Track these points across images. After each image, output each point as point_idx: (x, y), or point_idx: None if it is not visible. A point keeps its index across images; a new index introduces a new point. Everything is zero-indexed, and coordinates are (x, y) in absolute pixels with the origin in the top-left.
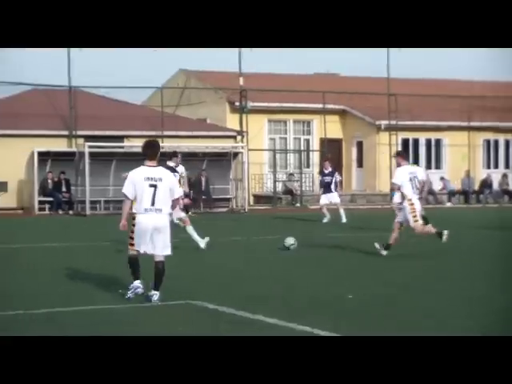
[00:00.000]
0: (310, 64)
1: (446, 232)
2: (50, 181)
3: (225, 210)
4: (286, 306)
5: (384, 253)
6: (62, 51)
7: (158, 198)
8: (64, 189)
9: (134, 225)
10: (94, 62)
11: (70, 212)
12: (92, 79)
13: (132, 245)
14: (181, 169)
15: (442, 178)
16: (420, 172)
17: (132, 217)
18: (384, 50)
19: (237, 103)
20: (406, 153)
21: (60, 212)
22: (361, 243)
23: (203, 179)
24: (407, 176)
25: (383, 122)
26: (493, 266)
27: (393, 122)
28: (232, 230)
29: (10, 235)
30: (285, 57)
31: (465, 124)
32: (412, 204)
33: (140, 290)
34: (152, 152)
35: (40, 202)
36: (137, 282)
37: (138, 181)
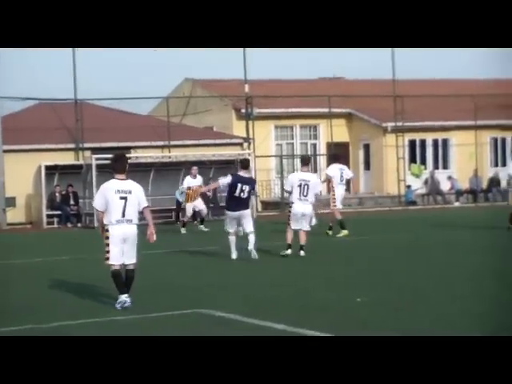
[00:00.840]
0: (314, 69)
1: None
2: (57, 194)
3: None
4: (294, 312)
5: (288, 252)
6: (67, 64)
7: (128, 209)
8: (72, 202)
9: (107, 237)
10: (99, 74)
11: (79, 225)
12: (97, 92)
13: (107, 258)
14: (200, 179)
15: (449, 178)
16: (312, 178)
17: (104, 229)
18: (388, 51)
19: (243, 110)
20: (413, 154)
21: (69, 225)
22: (368, 246)
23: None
24: (297, 182)
25: (389, 124)
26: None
27: (399, 124)
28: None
29: (20, 250)
30: (289, 62)
31: (471, 123)
32: (290, 208)
33: (128, 304)
34: (121, 166)
35: (48, 216)
36: (124, 296)
37: (108, 194)
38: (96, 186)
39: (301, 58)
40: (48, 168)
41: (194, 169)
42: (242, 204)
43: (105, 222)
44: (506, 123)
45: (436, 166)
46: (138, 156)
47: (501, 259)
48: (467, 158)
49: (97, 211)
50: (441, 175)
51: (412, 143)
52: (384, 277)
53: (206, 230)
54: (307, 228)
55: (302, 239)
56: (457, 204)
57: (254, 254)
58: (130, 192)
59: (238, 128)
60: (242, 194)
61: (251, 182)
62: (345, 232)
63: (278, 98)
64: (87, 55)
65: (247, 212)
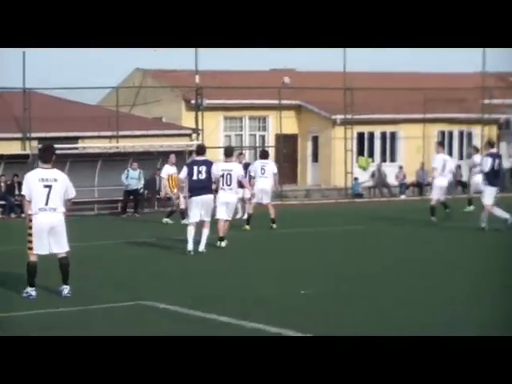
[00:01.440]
0: (266, 60)
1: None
2: (2, 184)
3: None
4: (238, 304)
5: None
6: (16, 53)
7: (52, 197)
8: (17, 192)
9: (30, 227)
10: (48, 63)
11: (23, 215)
12: (47, 81)
13: (31, 249)
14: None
15: (400, 167)
16: (234, 167)
17: (28, 219)
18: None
19: (193, 101)
20: (361, 146)
21: (12, 215)
22: (312, 238)
23: (158, 178)
24: (220, 172)
25: (339, 117)
26: None
27: (348, 116)
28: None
29: None
30: (241, 54)
31: (420, 116)
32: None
33: (32, 298)
34: (48, 155)
35: None
36: (30, 290)
37: (32, 182)
38: None
39: (253, 49)
40: None
41: (172, 156)
42: (204, 187)
43: (29, 212)
44: (454, 117)
45: (383, 159)
46: (85, 146)
47: (447, 250)
48: (415, 151)
49: (24, 200)
50: (388, 168)
51: (360, 136)
52: (327, 269)
53: (172, 222)
54: (228, 217)
55: (221, 230)
56: (403, 197)
57: (203, 249)
58: (55, 180)
59: (188, 119)
60: (199, 176)
61: (207, 163)
62: (247, 227)
63: (227, 89)
64: None
65: (209, 197)
